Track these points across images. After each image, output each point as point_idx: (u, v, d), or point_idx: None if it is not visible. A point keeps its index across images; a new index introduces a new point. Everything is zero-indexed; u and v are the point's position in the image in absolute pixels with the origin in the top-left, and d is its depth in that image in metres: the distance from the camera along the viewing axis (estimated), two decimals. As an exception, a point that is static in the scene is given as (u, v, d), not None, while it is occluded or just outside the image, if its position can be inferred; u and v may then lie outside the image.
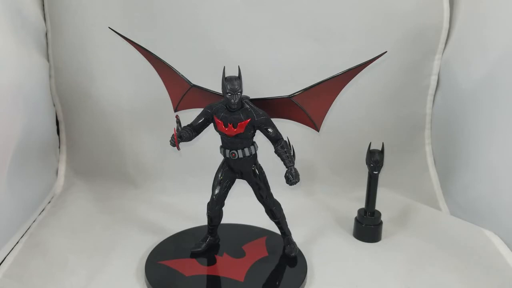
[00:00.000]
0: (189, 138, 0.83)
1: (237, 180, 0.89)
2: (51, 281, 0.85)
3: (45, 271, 0.88)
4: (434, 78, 1.23)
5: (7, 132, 0.93)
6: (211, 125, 0.83)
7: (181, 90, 0.88)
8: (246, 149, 0.83)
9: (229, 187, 0.89)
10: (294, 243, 0.94)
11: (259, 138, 0.83)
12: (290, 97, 0.82)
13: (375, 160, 0.99)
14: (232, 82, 0.77)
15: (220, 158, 0.88)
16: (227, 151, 0.83)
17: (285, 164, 0.80)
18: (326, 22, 1.18)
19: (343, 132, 1.24)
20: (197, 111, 0.85)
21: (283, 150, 0.80)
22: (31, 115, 1.03)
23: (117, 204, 1.15)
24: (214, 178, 0.89)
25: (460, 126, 1.13)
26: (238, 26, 1.17)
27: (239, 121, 0.80)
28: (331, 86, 0.82)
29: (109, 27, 0.89)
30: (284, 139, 0.81)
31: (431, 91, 1.25)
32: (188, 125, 0.83)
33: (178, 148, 0.81)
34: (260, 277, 0.86)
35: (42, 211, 1.10)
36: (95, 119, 1.22)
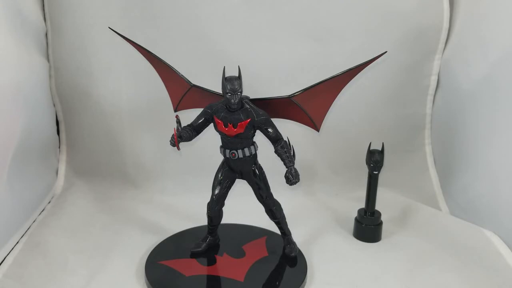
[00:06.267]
0: (189, 138, 0.83)
1: (237, 180, 0.89)
2: (51, 281, 0.85)
3: (45, 271, 0.88)
4: (434, 78, 1.23)
5: (7, 132, 0.93)
6: (211, 125, 0.83)
7: (181, 90, 0.88)
8: (246, 149, 0.83)
9: (229, 187, 0.89)
10: (294, 243, 0.94)
11: (259, 138, 0.83)
12: (290, 97, 0.82)
13: (375, 160, 0.99)
14: (232, 82, 0.77)
15: (220, 158, 0.88)
16: (227, 151, 0.83)
17: (285, 164, 0.80)
18: (326, 22, 1.18)
19: (343, 132, 1.24)
20: (197, 111, 0.85)
21: (283, 150, 0.80)
22: (31, 115, 1.03)
23: (117, 204, 1.15)
24: (214, 178, 0.89)
25: (460, 126, 1.13)
26: (238, 26, 1.17)
27: (239, 121, 0.80)
28: (331, 86, 0.82)
29: (109, 27, 0.89)
30: (284, 139, 0.82)
31: (431, 91, 1.25)
32: (188, 125, 0.83)
33: (178, 148, 0.81)
34: (260, 277, 0.86)
35: (42, 211, 1.10)
36: (95, 119, 1.22)
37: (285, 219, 0.92)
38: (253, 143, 0.84)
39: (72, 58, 1.18)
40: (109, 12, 1.15)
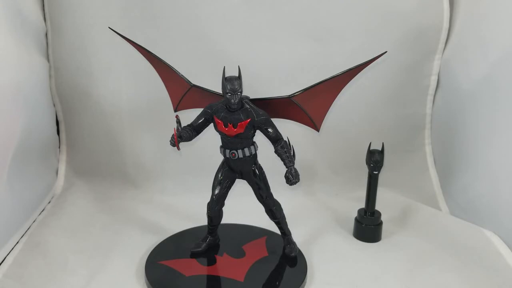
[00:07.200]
0: (189, 138, 0.83)
1: (237, 180, 0.89)
2: (51, 281, 0.85)
3: (45, 271, 0.88)
4: (434, 78, 1.23)
5: (7, 132, 0.93)
6: (211, 125, 0.83)
7: (181, 90, 0.88)
8: (246, 149, 0.83)
9: (229, 187, 0.89)
10: (294, 243, 0.94)
11: (259, 138, 0.83)
12: (290, 97, 0.82)
13: (375, 160, 0.99)
14: (232, 82, 0.77)
15: (220, 158, 0.88)
16: (227, 151, 0.83)
17: (285, 164, 0.80)
18: (326, 22, 1.18)
19: (343, 132, 1.24)
20: (197, 111, 0.85)
21: (283, 150, 0.80)
22: (31, 115, 1.03)
23: (117, 204, 1.15)
24: (214, 178, 0.89)
25: (460, 126, 1.13)
26: (238, 26, 1.17)
27: (239, 121, 0.80)
28: (331, 86, 0.82)
29: (109, 27, 0.89)
30: (284, 139, 0.82)
31: (431, 91, 1.25)
32: (188, 125, 0.83)
33: (178, 148, 0.81)
34: (260, 277, 0.86)
35: (42, 211, 1.10)
36: (95, 119, 1.22)
37: (285, 219, 0.92)
38: (253, 143, 0.84)
39: (72, 58, 1.18)
40: (109, 12, 1.15)
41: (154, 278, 0.85)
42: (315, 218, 1.12)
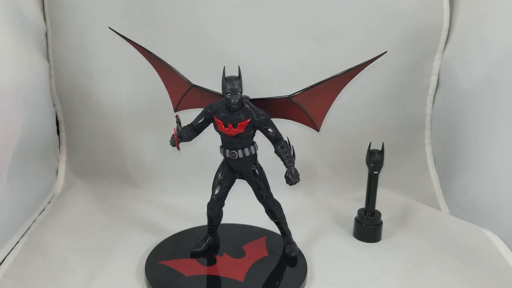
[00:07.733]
0: (189, 138, 0.83)
1: (237, 180, 0.89)
2: (51, 281, 0.85)
3: (45, 271, 0.88)
4: (434, 78, 1.23)
5: (7, 132, 0.93)
6: (211, 125, 0.83)
7: (181, 90, 0.88)
8: (246, 149, 0.83)
9: (229, 187, 0.89)
10: (294, 243, 0.94)
11: (259, 138, 0.83)
12: (290, 97, 0.82)
13: (375, 160, 0.99)
14: (232, 82, 0.77)
15: (220, 158, 0.88)
16: (227, 151, 0.83)
17: (285, 164, 0.80)
18: (326, 22, 1.18)
19: (343, 132, 1.24)
20: (197, 111, 0.85)
21: (283, 150, 0.80)
22: (31, 115, 1.03)
23: (117, 204, 1.15)
24: (214, 178, 0.89)
25: (460, 126, 1.14)
26: (238, 26, 1.17)
27: (239, 121, 0.80)
28: (331, 86, 0.82)
29: (109, 27, 0.89)
30: (284, 139, 0.82)
31: (431, 91, 1.25)
32: (188, 125, 0.83)
33: (178, 148, 0.81)
34: (260, 277, 0.86)
35: (42, 211, 1.10)
36: (95, 119, 1.22)
37: (285, 219, 0.92)
38: (253, 143, 0.84)
39: (72, 58, 1.18)
40: (109, 12, 1.15)
41: (154, 278, 0.85)
42: (315, 218, 1.12)
